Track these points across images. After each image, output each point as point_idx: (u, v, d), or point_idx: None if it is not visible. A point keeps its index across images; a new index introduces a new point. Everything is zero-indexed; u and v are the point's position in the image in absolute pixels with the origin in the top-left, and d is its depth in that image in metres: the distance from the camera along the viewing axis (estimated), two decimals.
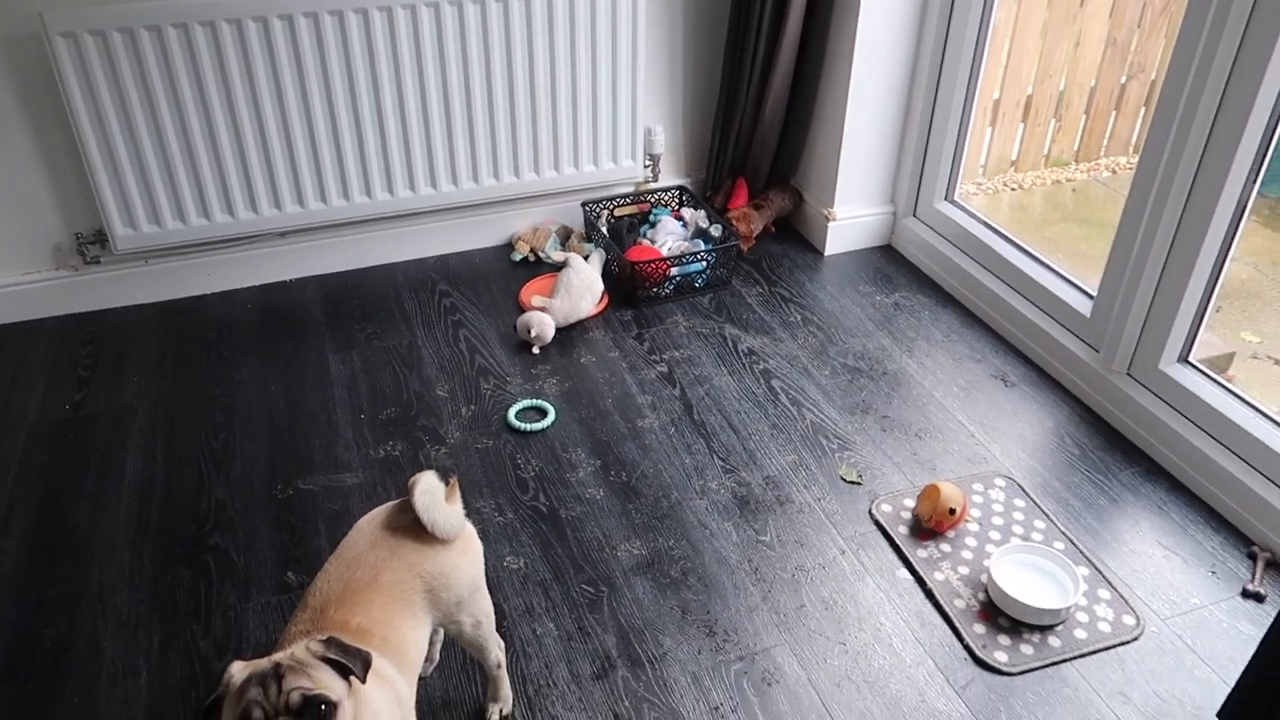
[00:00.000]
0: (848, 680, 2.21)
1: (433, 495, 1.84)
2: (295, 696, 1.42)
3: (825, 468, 2.85)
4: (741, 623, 2.36)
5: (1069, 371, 3.17)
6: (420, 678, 2.19)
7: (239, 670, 1.47)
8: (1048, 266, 3.42)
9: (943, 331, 3.48)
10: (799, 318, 3.57)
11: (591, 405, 3.11)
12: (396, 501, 1.91)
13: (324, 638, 1.53)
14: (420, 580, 1.80)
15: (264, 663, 1.47)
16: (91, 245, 3.54)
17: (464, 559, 1.89)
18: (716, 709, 2.15)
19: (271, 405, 3.12)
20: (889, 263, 3.92)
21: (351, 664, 1.50)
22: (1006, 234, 3.60)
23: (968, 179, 3.84)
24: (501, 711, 2.12)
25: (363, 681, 1.51)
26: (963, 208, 3.80)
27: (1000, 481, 2.78)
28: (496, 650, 2.05)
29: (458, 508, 1.90)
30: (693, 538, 2.61)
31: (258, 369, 3.30)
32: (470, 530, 1.95)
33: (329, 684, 1.46)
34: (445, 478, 1.92)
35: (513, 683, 2.17)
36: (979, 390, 3.17)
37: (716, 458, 2.89)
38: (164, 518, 2.69)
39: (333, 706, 1.44)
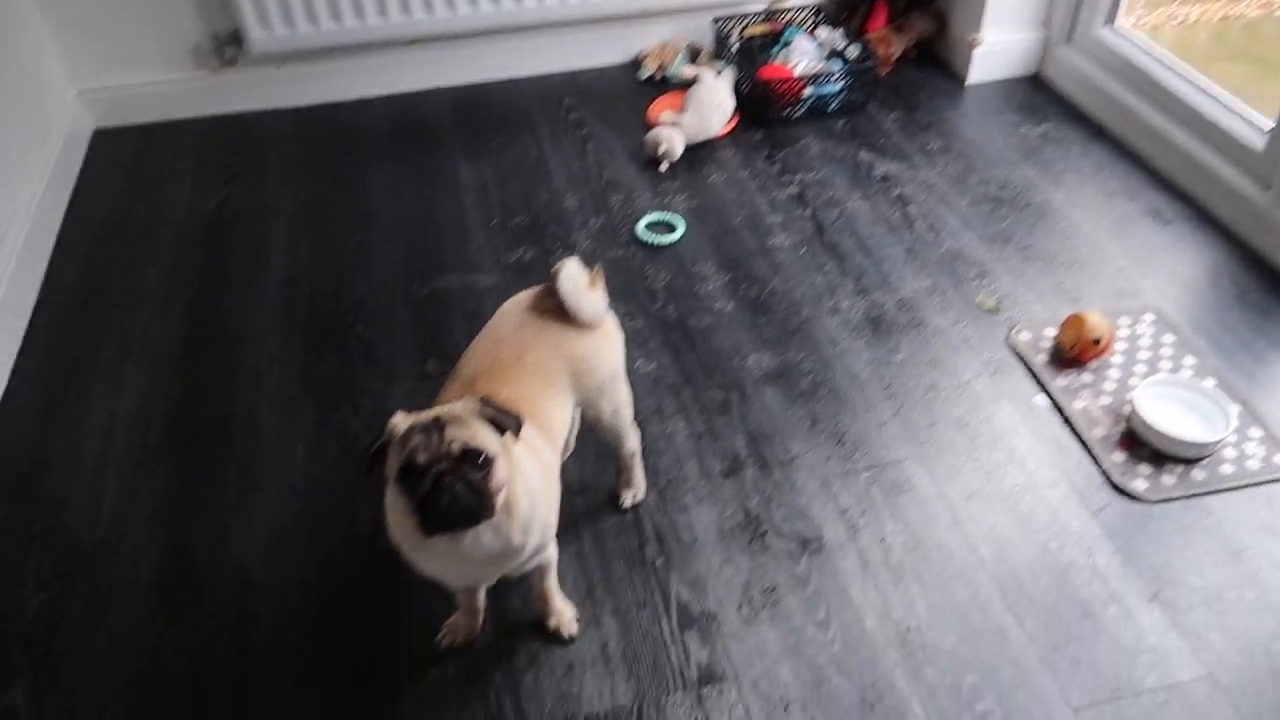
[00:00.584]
0: (979, 496, 2.21)
1: (576, 281, 1.85)
2: (456, 445, 1.48)
3: (962, 294, 2.78)
4: (871, 435, 2.36)
5: (1233, 209, 2.98)
6: None
7: (402, 420, 1.53)
8: (1216, 99, 3.16)
9: (1093, 165, 3.29)
10: (938, 145, 3.41)
11: (720, 222, 3.07)
12: (540, 287, 1.93)
13: (480, 397, 1.58)
14: (564, 362, 1.83)
15: (426, 415, 1.53)
16: (229, 46, 3.58)
17: (605, 346, 1.92)
18: (845, 512, 2.18)
19: (406, 209, 3.17)
20: (1036, 93, 3.69)
21: (506, 422, 1.54)
22: (1171, 64, 3.33)
23: (1128, 13, 3.54)
24: (635, 498, 2.19)
25: (515, 439, 1.56)
26: (1124, 35, 3.51)
27: (1149, 317, 2.66)
28: (632, 439, 2.10)
29: (600, 295, 1.91)
30: (823, 353, 2.59)
31: (391, 174, 3.34)
32: (612, 320, 1.97)
33: (486, 438, 1.52)
34: (589, 265, 1.93)
35: (645, 475, 2.23)
36: (1131, 226, 3.01)
37: (849, 278, 2.84)
38: (309, 310, 2.80)
39: (489, 459, 1.50)
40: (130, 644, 1.99)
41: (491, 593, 2.01)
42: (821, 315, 2.71)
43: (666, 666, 1.90)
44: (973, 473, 2.26)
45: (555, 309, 1.85)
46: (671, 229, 3.03)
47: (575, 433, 2.30)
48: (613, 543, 2.13)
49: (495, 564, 1.64)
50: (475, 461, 1.49)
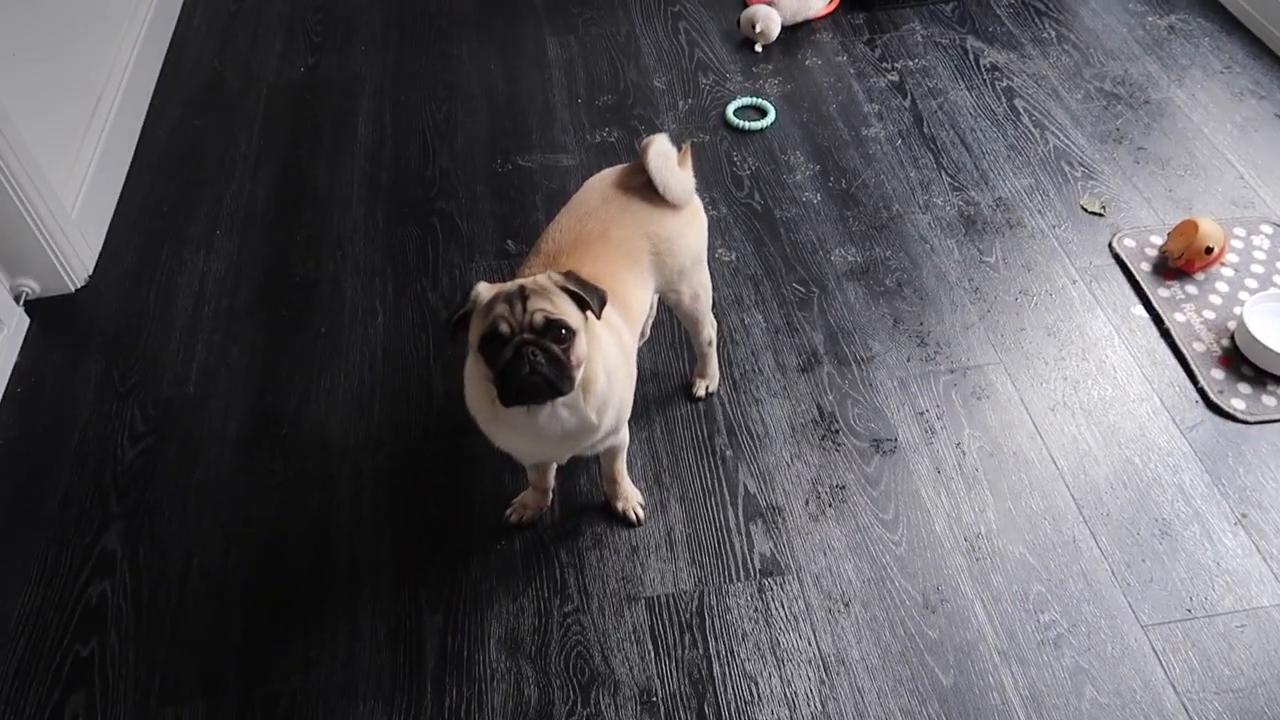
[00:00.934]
0: (1063, 405, 2.14)
1: (666, 157, 1.80)
2: (539, 317, 1.47)
3: (1064, 195, 2.64)
4: (955, 337, 2.29)
5: None
6: None
7: (485, 290, 1.53)
8: None
9: (1223, 61, 3.05)
10: (1053, 34, 3.19)
11: (814, 109, 2.95)
12: (628, 164, 1.88)
13: (564, 270, 1.56)
14: (648, 241, 1.80)
15: (510, 285, 1.52)
16: None
17: (690, 228, 1.88)
18: (922, 414, 2.14)
19: (491, 83, 3.12)
20: None
21: (589, 297, 1.53)
22: None
23: None
24: (708, 388, 2.18)
25: (598, 316, 1.55)
26: None
27: (1267, 229, 2.50)
28: (709, 327, 2.08)
29: (689, 174, 1.86)
30: (911, 251, 2.50)
31: (477, 46, 3.27)
32: (698, 201, 1.92)
33: (568, 312, 1.51)
34: (678, 144, 1.87)
35: (720, 366, 2.21)
36: (1257, 129, 2.80)
37: (945, 174, 2.71)
38: (393, 180, 2.80)
39: (571, 332, 1.49)
40: (217, 496, 2.08)
41: (561, 473, 2.04)
42: (912, 211, 2.61)
43: (730, 555, 1.92)
44: (1059, 382, 2.19)
45: (642, 186, 1.81)
46: (762, 114, 2.93)
47: (651, 320, 2.28)
48: (683, 431, 2.14)
49: (570, 441, 1.65)
50: (557, 334, 1.48)
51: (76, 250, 2.53)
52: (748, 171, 2.75)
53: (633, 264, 1.78)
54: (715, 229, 2.57)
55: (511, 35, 3.31)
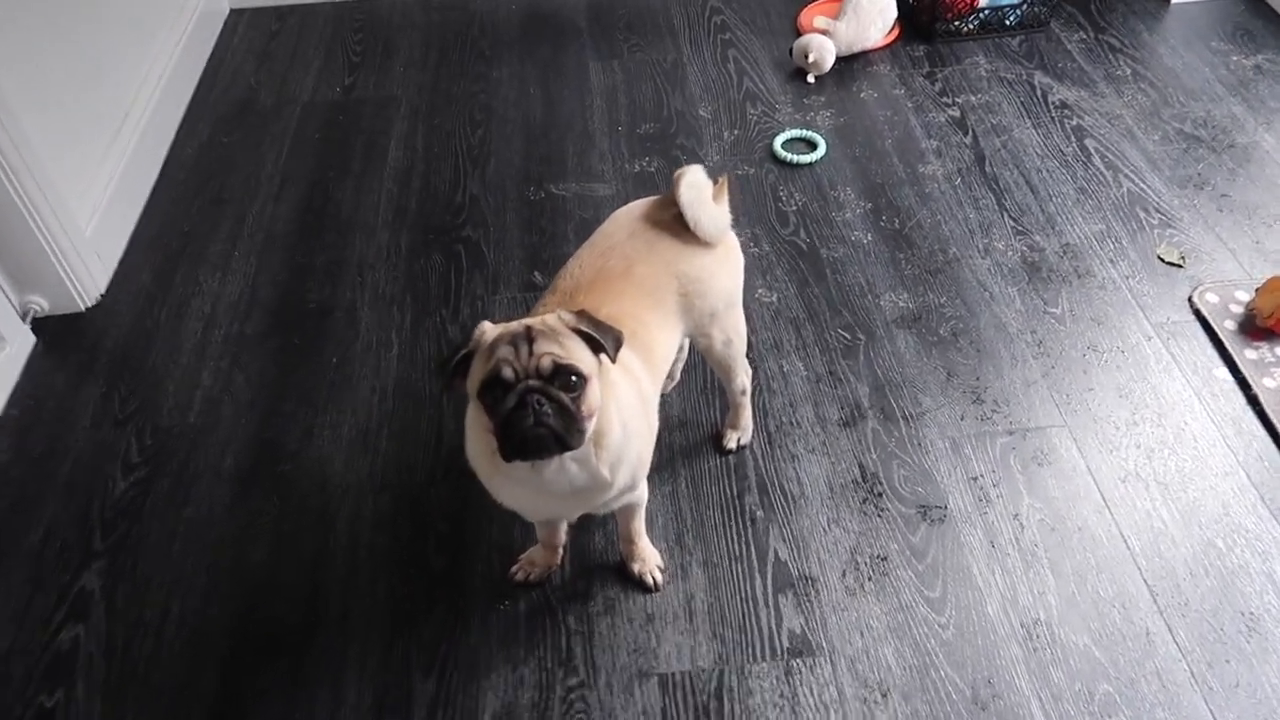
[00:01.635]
0: (1135, 477, 1.92)
1: (699, 191, 1.64)
2: (546, 361, 1.31)
3: (1139, 244, 2.42)
4: (1015, 395, 2.08)
5: None
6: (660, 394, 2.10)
7: (490, 329, 1.38)
8: None
9: None
10: (1129, 72, 2.99)
11: (868, 144, 2.77)
12: (659, 196, 1.72)
13: (577, 310, 1.40)
14: (676, 281, 1.63)
15: (516, 325, 1.37)
16: None
17: (724, 268, 1.71)
18: (976, 479, 1.93)
19: (529, 107, 2.99)
20: (1254, 16, 3.19)
21: (604, 339, 1.37)
22: None
23: None
24: (740, 440, 2.00)
25: (613, 360, 1.39)
26: None
27: None
28: (743, 375, 1.90)
29: (725, 210, 1.69)
30: (969, 298, 2.31)
31: (517, 69, 3.16)
32: (734, 239, 1.75)
33: (580, 356, 1.35)
34: (714, 177, 1.71)
35: (754, 416, 2.03)
36: None
37: (1007, 216, 2.52)
38: (421, 205, 2.68)
39: (583, 379, 1.33)
40: (207, 534, 1.94)
41: (574, 529, 1.87)
42: (971, 255, 2.41)
43: (755, 630, 1.72)
44: (1131, 450, 1.97)
45: (672, 220, 1.65)
46: (812, 147, 2.76)
47: (682, 363, 2.11)
48: (710, 487, 1.95)
49: (579, 498, 1.48)
50: (566, 381, 1.32)
51: (89, 268, 2.44)
52: (794, 207, 2.58)
53: (657, 304, 1.61)
54: (757, 267, 2.40)
55: (554, 59, 3.19)
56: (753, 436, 2.02)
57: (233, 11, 3.55)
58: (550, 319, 1.37)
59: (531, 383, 1.31)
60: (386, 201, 2.70)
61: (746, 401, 1.96)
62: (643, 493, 1.66)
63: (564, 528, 1.80)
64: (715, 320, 1.72)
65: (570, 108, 2.98)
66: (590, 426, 1.36)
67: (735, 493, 1.94)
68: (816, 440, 2.02)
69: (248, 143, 2.94)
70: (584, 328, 1.36)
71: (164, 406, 2.20)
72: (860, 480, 1.94)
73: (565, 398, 1.31)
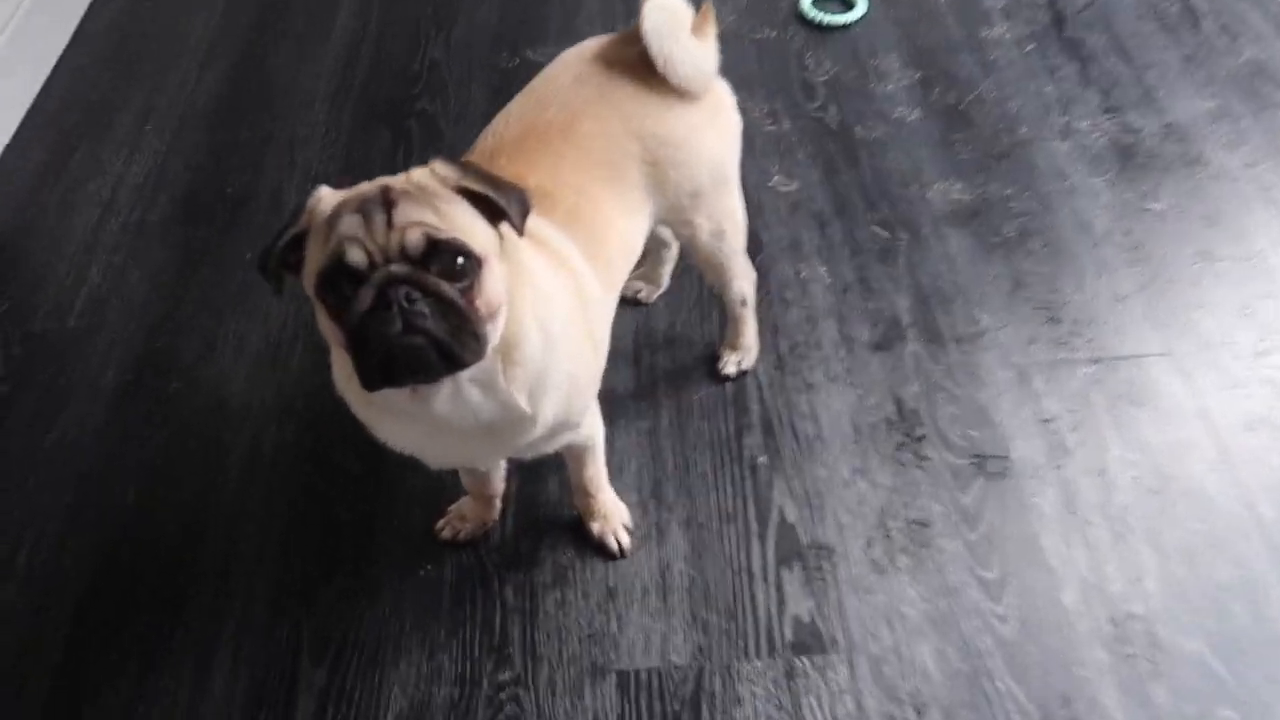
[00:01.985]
0: (1265, 423, 1.45)
1: (671, 16, 1.17)
2: (415, 236, 0.88)
3: (1264, 124, 1.91)
4: (1101, 314, 1.61)
5: None
6: (640, 302, 1.65)
7: (329, 196, 0.94)
8: None
9: None
10: None
11: (917, 3, 2.25)
12: (621, 32, 1.25)
13: (460, 161, 0.96)
14: (639, 144, 1.17)
15: (368, 186, 0.92)
16: None
17: (709, 129, 1.25)
18: (1049, 422, 1.47)
19: None
20: None
21: (503, 199, 0.92)
22: None
23: None
24: (741, 364, 1.55)
25: (518, 230, 0.94)
26: None
27: None
28: (743, 279, 1.45)
29: (710, 47, 1.23)
30: (1042, 189, 1.82)
31: None
32: (725, 90, 1.29)
33: (466, 225, 0.91)
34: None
35: (762, 332, 1.58)
36: None
37: (1093, 89, 2.00)
38: (369, 75, 2.23)
39: (474, 260, 0.90)
40: (71, 464, 1.56)
41: (515, 474, 1.44)
42: (1046, 137, 1.92)
43: (748, 616, 1.30)
44: (1257, 386, 1.50)
45: (637, 61, 1.18)
46: (848, 6, 2.24)
47: (670, 265, 1.65)
48: (700, 423, 1.52)
49: (491, 439, 1.06)
50: (449, 264, 0.89)
51: None
52: (823, 77, 2.08)
53: (612, 174, 1.16)
54: (772, 147, 1.93)
55: None
56: (757, 359, 1.57)
57: None
58: (419, 174, 0.93)
59: (395, 269, 0.87)
60: (330, 71, 2.25)
61: (749, 314, 1.51)
62: (592, 430, 1.23)
63: (499, 474, 1.38)
64: (699, 202, 1.26)
65: None
66: (493, 332, 0.93)
67: (732, 431, 1.50)
68: (840, 366, 1.57)
69: (175, 7, 2.47)
70: (471, 184, 0.92)
71: (40, 308, 1.81)
72: (895, 419, 1.49)
73: (448, 288, 0.89)
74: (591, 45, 1.25)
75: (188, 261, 1.86)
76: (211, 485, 1.52)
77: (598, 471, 1.32)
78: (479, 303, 0.90)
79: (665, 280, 1.67)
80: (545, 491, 1.46)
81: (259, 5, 2.45)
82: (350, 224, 0.88)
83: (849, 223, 1.79)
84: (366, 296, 0.88)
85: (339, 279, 0.89)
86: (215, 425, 1.60)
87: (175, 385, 1.66)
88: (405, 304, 0.87)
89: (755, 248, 1.69)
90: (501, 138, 1.15)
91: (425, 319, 0.87)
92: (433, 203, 0.89)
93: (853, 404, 1.52)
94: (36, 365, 1.71)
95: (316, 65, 2.26)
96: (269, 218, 1.92)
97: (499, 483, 1.38)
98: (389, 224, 0.87)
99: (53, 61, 2.32)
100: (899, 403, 1.52)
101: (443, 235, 0.88)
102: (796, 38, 2.19)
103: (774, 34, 2.20)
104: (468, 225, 0.90)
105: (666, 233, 1.56)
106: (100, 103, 2.22)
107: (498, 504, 1.40)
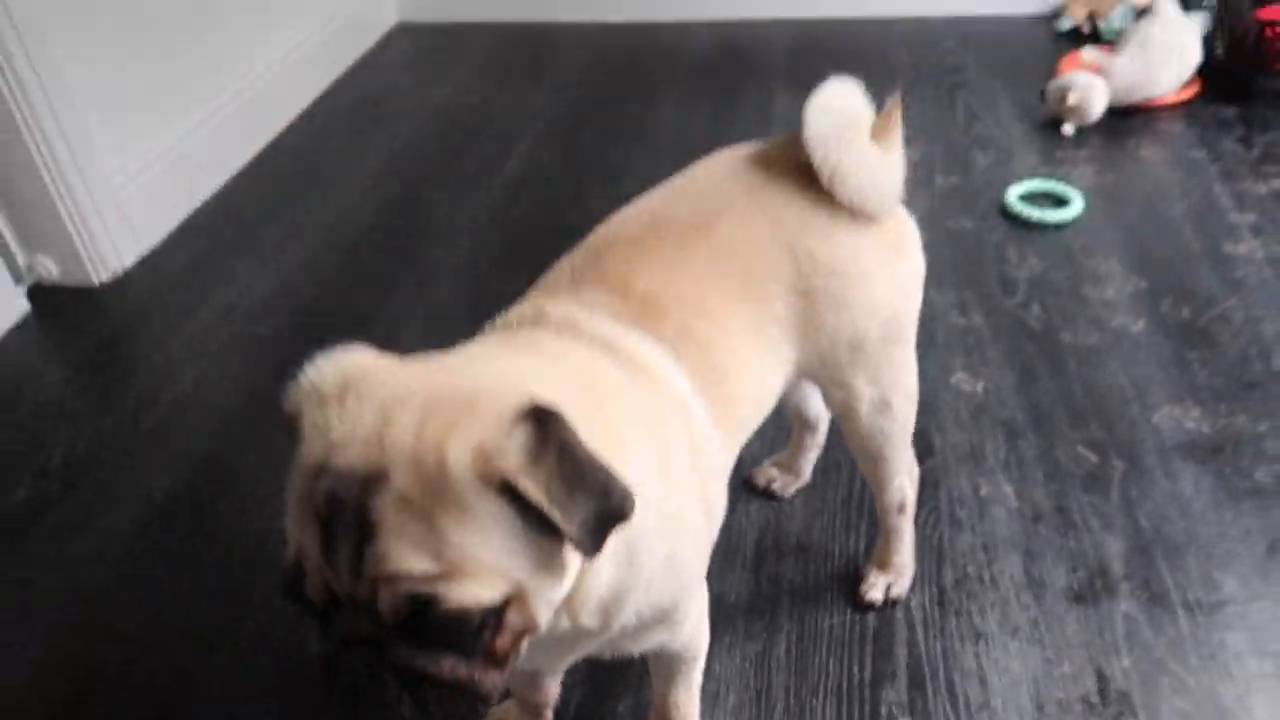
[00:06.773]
0: None
1: (845, 120, 0.92)
2: (389, 598, 0.59)
3: None
4: None
5: None
6: (773, 495, 1.34)
7: (310, 393, 0.67)
8: None
9: None
10: None
11: (1147, 210, 1.95)
12: (789, 134, 1.01)
13: (529, 407, 0.61)
14: (790, 260, 0.91)
15: (339, 462, 0.60)
16: None
17: (888, 263, 0.97)
18: None
19: (689, 136, 2.41)
20: None
21: (565, 520, 0.59)
22: None
23: None
24: (890, 589, 1.19)
25: (589, 555, 0.62)
26: None
27: None
28: (905, 477, 1.11)
29: (895, 159, 0.96)
30: None
31: (688, 100, 2.60)
32: (907, 219, 1.02)
33: (486, 565, 0.60)
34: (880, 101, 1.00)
35: (921, 555, 1.22)
36: None
37: None
38: (524, 217, 2.14)
39: (490, 614, 0.61)
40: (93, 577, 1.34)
41: (585, 680, 1.11)
42: None
43: None
44: None
45: (797, 167, 0.93)
46: (1062, 203, 1.97)
47: (814, 454, 1.34)
48: (826, 658, 1.15)
49: (556, 644, 0.75)
50: (445, 633, 0.61)
51: (113, 238, 1.99)
52: (1027, 273, 1.79)
53: (747, 293, 0.89)
54: (957, 340, 1.62)
55: (735, 92, 2.60)
56: (911, 587, 1.21)
57: (400, 25, 3.21)
58: (429, 445, 0.60)
59: (360, 625, 0.61)
60: (486, 211, 2.14)
61: (907, 525, 1.16)
62: (694, 636, 0.90)
63: (555, 678, 1.05)
64: (860, 359, 0.97)
65: (740, 137, 2.34)
66: (514, 660, 0.65)
67: (867, 677, 1.13)
68: (1023, 616, 1.18)
69: (354, 139, 2.49)
70: (529, 489, 0.59)
71: (124, 408, 1.66)
72: (1097, 702, 1.08)
73: (437, 667, 0.61)
74: (751, 145, 1.02)
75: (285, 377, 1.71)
76: (211, 644, 1.27)
77: (690, 696, 0.97)
78: (500, 643, 0.62)
79: (806, 472, 1.35)
80: (612, 714, 1.11)
81: (434, 145, 2.43)
82: (309, 540, 0.60)
83: (1046, 438, 1.43)
84: (324, 648, 0.62)
85: (296, 594, 0.62)
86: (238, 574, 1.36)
87: (220, 506, 1.46)
88: (367, 681, 0.60)
89: (925, 451, 1.37)
90: (617, 233, 0.92)
91: (400, 704, 0.61)
92: (435, 522, 0.59)
93: (1038, 669, 1.12)
94: (91, 468, 1.55)
95: (472, 208, 2.17)
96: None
97: (553, 689, 1.06)
98: (359, 555, 0.58)
99: (220, 182, 2.32)
100: (1103, 679, 1.11)
101: (435, 602, 0.58)
102: (997, 230, 1.92)
103: (972, 225, 1.94)
104: (490, 561, 0.60)
105: (813, 411, 1.27)
106: (254, 216, 2.19)
107: (549, 716, 1.07)
